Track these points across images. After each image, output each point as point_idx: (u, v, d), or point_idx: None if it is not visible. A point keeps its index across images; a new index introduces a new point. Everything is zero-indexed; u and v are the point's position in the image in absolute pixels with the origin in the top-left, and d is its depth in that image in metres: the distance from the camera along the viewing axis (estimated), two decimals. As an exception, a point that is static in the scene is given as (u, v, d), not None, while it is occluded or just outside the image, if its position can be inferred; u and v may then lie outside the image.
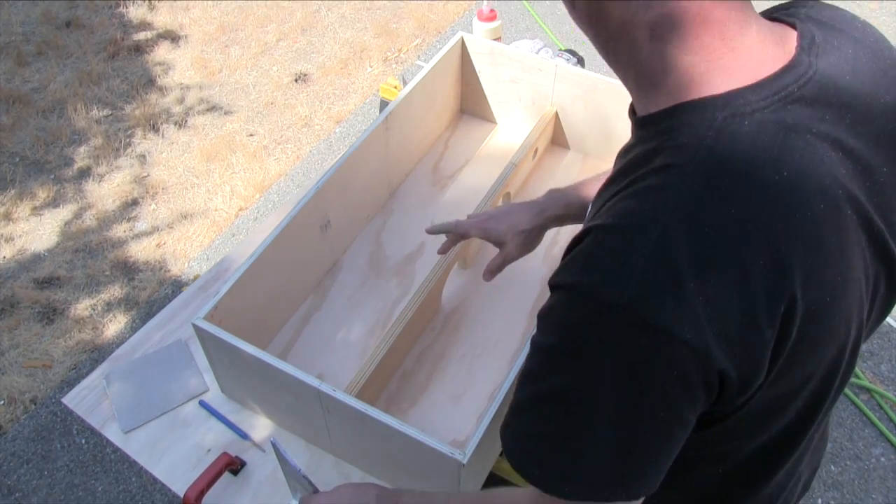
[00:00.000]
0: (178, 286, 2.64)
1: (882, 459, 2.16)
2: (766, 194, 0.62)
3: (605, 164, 1.73)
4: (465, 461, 1.00)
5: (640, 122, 0.71)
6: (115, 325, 2.53)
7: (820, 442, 1.01)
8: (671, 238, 0.60)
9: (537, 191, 1.68)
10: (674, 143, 0.65)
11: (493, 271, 1.30)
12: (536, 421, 0.69)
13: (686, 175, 0.62)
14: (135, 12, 3.90)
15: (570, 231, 1.60)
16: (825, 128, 0.66)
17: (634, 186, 0.66)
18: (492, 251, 1.56)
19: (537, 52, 1.89)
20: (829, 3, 0.77)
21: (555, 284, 0.68)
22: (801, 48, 0.67)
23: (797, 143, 0.64)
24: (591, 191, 1.20)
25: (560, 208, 1.27)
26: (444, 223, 1.34)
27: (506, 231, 1.27)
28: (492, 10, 1.93)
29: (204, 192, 2.98)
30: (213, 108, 3.35)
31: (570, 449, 0.67)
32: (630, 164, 0.69)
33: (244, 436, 1.28)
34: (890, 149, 0.71)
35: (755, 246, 0.61)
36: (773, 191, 0.62)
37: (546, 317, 0.68)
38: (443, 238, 1.39)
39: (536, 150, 1.68)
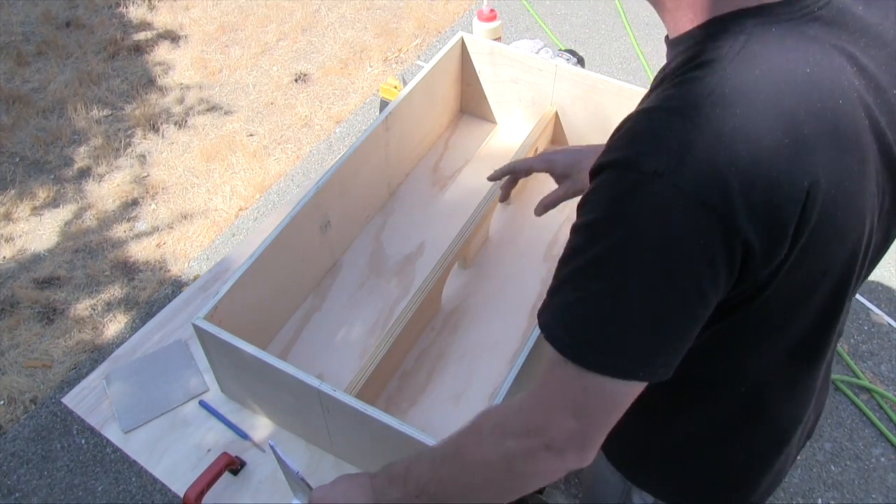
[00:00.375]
0: (178, 286, 2.64)
1: (882, 459, 2.17)
2: (792, 84, 0.69)
3: (605, 164, 1.73)
4: (465, 461, 1.00)
5: (677, 40, 0.78)
6: (115, 325, 2.53)
7: (824, 385, 1.04)
8: (707, 116, 0.67)
9: (537, 191, 1.68)
10: (711, 46, 0.71)
11: (547, 206, 1.29)
12: (573, 292, 0.73)
13: (722, 67, 0.69)
14: (135, 12, 3.90)
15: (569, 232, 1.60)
16: (842, 44, 0.73)
17: (675, 80, 0.73)
18: (492, 251, 1.56)
19: (537, 52, 1.89)
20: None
21: (597, 166, 0.73)
22: None
23: (818, 49, 0.71)
24: None
25: None
26: (505, 166, 1.35)
27: (571, 165, 1.27)
28: (492, 10, 1.93)
29: (204, 192, 2.98)
30: (213, 108, 3.35)
31: (602, 319, 0.71)
32: (668, 73, 0.76)
33: (244, 436, 1.28)
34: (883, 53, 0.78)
35: (783, 126, 0.67)
36: (799, 81, 0.69)
37: (587, 200, 0.73)
38: (443, 237, 1.38)
39: (536, 150, 1.68)
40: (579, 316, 0.72)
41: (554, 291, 0.76)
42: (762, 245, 0.69)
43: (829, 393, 2.31)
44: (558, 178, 1.30)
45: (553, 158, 1.29)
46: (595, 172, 0.74)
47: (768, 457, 1.02)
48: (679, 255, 0.68)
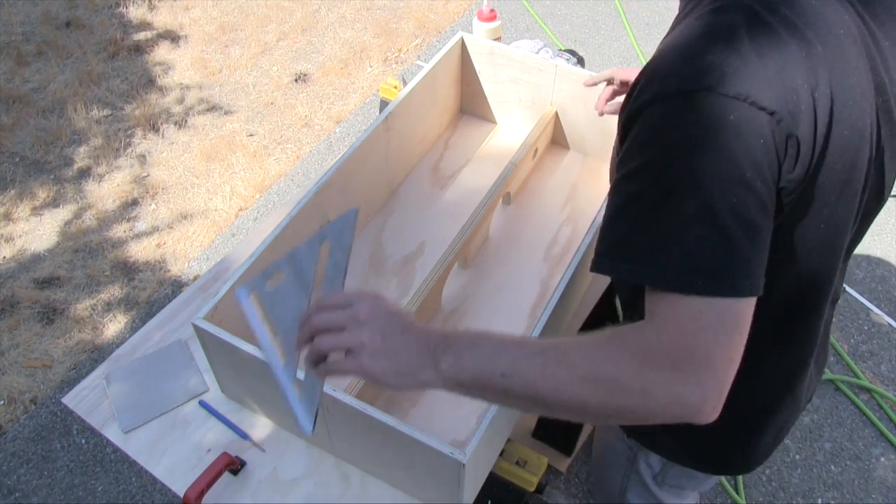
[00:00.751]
0: (178, 286, 2.64)
1: (882, 459, 2.17)
2: (801, 12, 0.76)
3: (605, 164, 1.73)
4: (465, 461, 1.00)
5: None
6: (115, 325, 2.53)
7: (823, 341, 1.07)
8: (736, 34, 0.72)
9: (537, 191, 1.69)
10: None
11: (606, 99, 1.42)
12: (634, 222, 0.73)
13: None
14: (135, 12, 3.90)
15: (570, 232, 1.60)
16: None
17: (693, 15, 0.79)
18: (492, 251, 1.56)
19: (537, 52, 1.89)
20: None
21: (637, 107, 0.75)
22: None
23: None
24: None
25: None
26: (602, 73, 1.45)
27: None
28: (492, 10, 1.93)
29: (204, 192, 2.98)
30: (213, 108, 3.35)
31: (705, 243, 0.69)
32: (681, 18, 0.82)
33: (244, 436, 1.28)
34: (893, 27, 0.85)
35: (798, 42, 0.74)
36: (807, 10, 0.76)
37: (632, 145, 0.75)
38: (443, 237, 1.38)
39: (536, 150, 1.68)
40: (681, 248, 0.70)
41: (621, 244, 0.73)
42: (806, 143, 0.73)
43: (830, 393, 2.31)
44: None
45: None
46: (634, 115, 0.75)
47: (775, 404, 1.04)
48: (748, 158, 0.70)
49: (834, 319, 2.34)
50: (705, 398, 0.70)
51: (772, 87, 0.71)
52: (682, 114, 0.71)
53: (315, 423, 0.81)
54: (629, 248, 0.73)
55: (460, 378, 0.76)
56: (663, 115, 0.72)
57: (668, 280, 0.70)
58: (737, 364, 0.72)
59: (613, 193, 0.77)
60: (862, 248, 2.71)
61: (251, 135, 3.22)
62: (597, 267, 0.77)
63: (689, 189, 0.70)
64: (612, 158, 0.89)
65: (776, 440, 1.12)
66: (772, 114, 0.70)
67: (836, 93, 0.76)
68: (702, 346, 0.70)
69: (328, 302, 0.80)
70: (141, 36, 3.76)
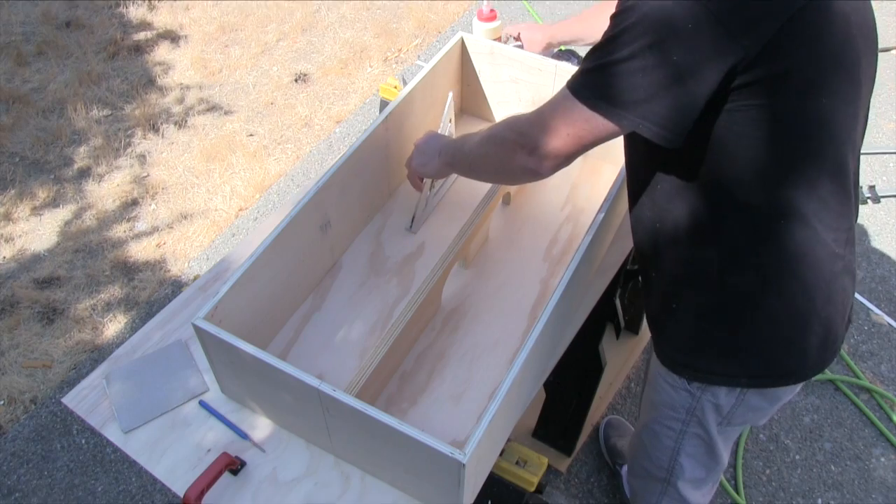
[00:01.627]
0: (178, 286, 2.64)
1: (882, 459, 2.17)
2: None
3: (604, 164, 1.73)
4: (465, 461, 1.00)
5: None
6: (115, 325, 2.53)
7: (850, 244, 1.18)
8: None
9: (537, 191, 1.69)
10: None
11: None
12: (593, 61, 1.00)
13: None
14: (135, 12, 3.90)
15: (570, 232, 1.60)
16: None
17: None
18: (492, 251, 1.56)
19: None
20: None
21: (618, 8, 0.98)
22: None
23: None
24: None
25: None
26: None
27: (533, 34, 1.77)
28: (492, 10, 1.93)
29: (204, 192, 2.98)
30: (213, 108, 3.36)
31: (611, 76, 0.97)
32: None
33: (244, 436, 1.28)
34: None
35: None
36: None
37: (612, 24, 0.98)
38: (443, 237, 1.39)
39: (536, 150, 1.68)
40: (595, 72, 0.99)
41: (592, 66, 1.00)
42: (757, 48, 0.91)
43: (830, 393, 2.31)
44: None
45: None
46: (617, 13, 0.97)
47: (814, 302, 1.15)
48: (686, 44, 0.91)
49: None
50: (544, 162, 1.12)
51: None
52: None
53: (412, 222, 1.59)
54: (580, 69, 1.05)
55: (445, 161, 1.37)
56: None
57: (573, 86, 1.04)
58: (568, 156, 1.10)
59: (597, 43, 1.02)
60: (862, 248, 2.71)
61: (251, 135, 3.22)
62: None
63: (625, 38, 0.95)
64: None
65: (825, 351, 1.21)
66: (720, 18, 0.90)
67: None
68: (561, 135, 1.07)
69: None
70: (141, 36, 3.76)
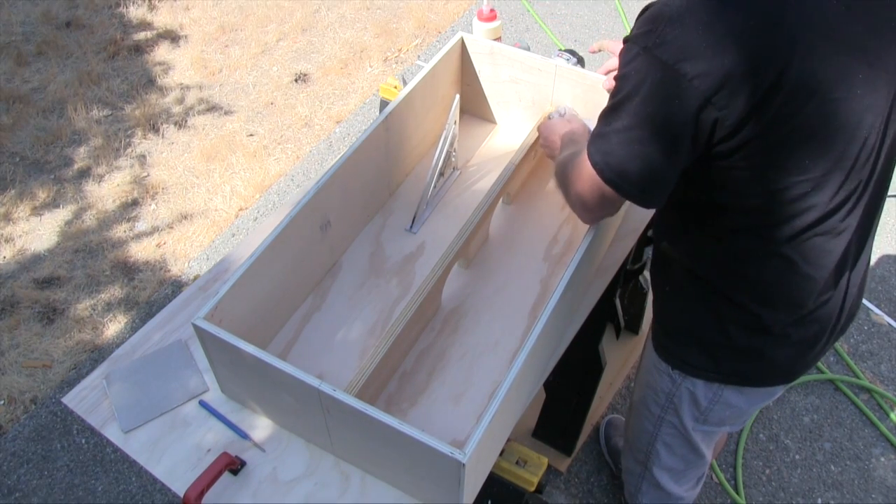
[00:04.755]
0: (178, 286, 2.64)
1: (882, 459, 2.17)
2: None
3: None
4: (465, 461, 1.00)
5: None
6: (115, 325, 2.53)
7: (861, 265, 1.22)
8: (688, 6, 0.93)
9: (537, 191, 1.68)
10: None
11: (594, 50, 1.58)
12: (602, 126, 1.05)
13: None
14: (135, 12, 3.90)
15: (570, 232, 1.60)
16: None
17: None
18: (492, 251, 1.56)
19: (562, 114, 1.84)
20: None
21: (624, 39, 1.03)
22: None
23: None
24: None
25: None
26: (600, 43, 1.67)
27: None
28: (492, 10, 1.93)
29: (204, 192, 2.98)
30: (213, 108, 3.36)
31: (614, 148, 1.03)
32: None
33: (244, 436, 1.28)
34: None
35: (750, 13, 0.91)
36: None
37: (620, 60, 1.02)
38: (443, 237, 1.38)
39: (536, 150, 1.68)
40: (604, 145, 1.05)
41: (600, 116, 1.06)
42: (735, 101, 0.93)
43: (830, 393, 2.31)
44: None
45: None
46: (624, 40, 1.02)
47: (801, 320, 1.19)
48: (661, 111, 0.96)
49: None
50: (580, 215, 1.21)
51: (710, 54, 0.91)
52: (630, 60, 0.98)
53: (413, 222, 1.59)
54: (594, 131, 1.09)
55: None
56: (625, 54, 0.99)
57: (593, 162, 1.08)
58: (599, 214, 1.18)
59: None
60: (862, 248, 2.71)
61: (251, 135, 3.22)
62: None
63: (620, 113, 1.01)
64: None
65: (802, 354, 1.25)
66: (691, 81, 0.92)
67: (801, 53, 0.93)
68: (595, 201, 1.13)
69: None
70: (141, 36, 3.76)
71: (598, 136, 1.06)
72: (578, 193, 1.14)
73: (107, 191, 2.98)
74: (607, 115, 1.05)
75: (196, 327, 1.16)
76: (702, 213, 1.13)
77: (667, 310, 1.32)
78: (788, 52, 0.92)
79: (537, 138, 1.64)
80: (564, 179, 1.21)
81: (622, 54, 1.00)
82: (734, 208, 1.08)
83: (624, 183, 1.05)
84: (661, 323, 1.35)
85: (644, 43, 0.95)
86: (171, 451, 1.27)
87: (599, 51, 1.55)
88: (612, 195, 1.08)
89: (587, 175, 1.09)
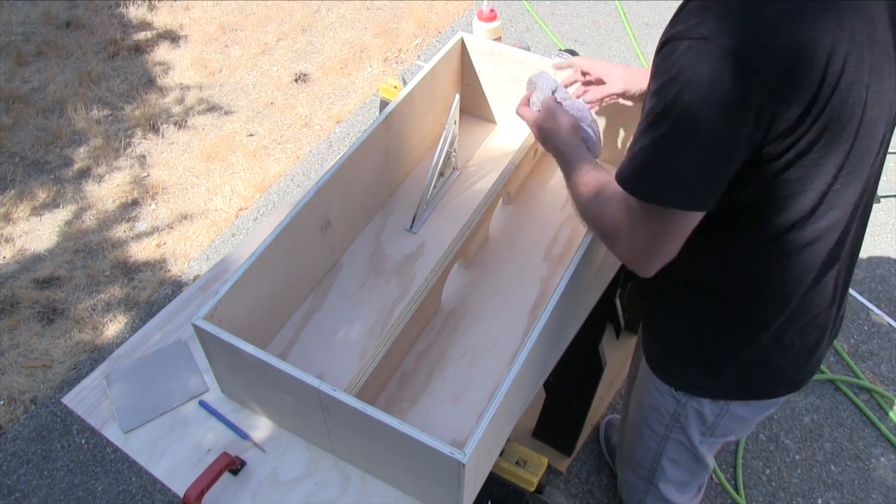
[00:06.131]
0: (178, 286, 2.64)
1: (882, 459, 2.16)
2: None
3: (605, 164, 1.73)
4: (465, 461, 1.00)
5: None
6: (115, 325, 2.53)
7: (845, 277, 1.21)
8: None
9: (537, 191, 1.68)
10: None
11: (594, 101, 1.48)
12: (639, 142, 0.95)
13: None
14: (135, 12, 3.90)
15: (570, 232, 1.60)
16: None
17: None
18: (492, 251, 1.56)
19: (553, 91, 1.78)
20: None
21: (661, 42, 0.94)
22: None
23: None
24: None
25: None
26: (567, 60, 1.56)
27: (614, 69, 1.47)
28: (492, 10, 1.93)
29: (204, 192, 2.98)
30: (213, 108, 3.35)
31: (652, 160, 0.94)
32: None
33: (244, 436, 1.28)
34: None
35: (808, 8, 0.86)
36: None
37: (655, 69, 0.93)
38: (443, 237, 1.38)
39: (536, 150, 1.68)
40: (645, 161, 0.94)
41: (629, 148, 0.97)
42: (790, 95, 0.87)
43: (830, 393, 2.31)
44: (602, 77, 1.48)
45: (609, 72, 1.46)
46: (659, 47, 0.94)
47: (804, 331, 1.18)
48: (722, 103, 0.86)
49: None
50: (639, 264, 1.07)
51: (769, 41, 0.85)
52: (681, 55, 0.88)
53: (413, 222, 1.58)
54: (628, 155, 0.98)
55: (557, 158, 1.27)
56: (671, 53, 0.90)
57: (631, 187, 0.98)
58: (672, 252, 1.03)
59: (646, 103, 0.97)
60: (862, 248, 2.71)
61: (251, 135, 3.22)
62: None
63: (671, 117, 0.90)
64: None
65: (805, 362, 1.24)
66: (756, 69, 0.85)
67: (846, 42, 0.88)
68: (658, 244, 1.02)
69: None
70: (141, 36, 3.76)
71: (639, 167, 0.95)
72: (636, 240, 1.02)
73: (107, 191, 2.98)
74: (652, 128, 0.93)
75: (196, 327, 1.16)
76: (714, 218, 1.02)
77: (665, 330, 1.28)
78: (836, 36, 0.87)
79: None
80: (604, 229, 1.09)
81: (663, 57, 0.91)
82: (751, 210, 1.02)
83: (685, 196, 0.94)
84: (658, 343, 1.30)
85: (696, 34, 0.87)
86: (171, 451, 1.27)
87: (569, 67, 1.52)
88: (674, 220, 0.97)
89: (637, 214, 0.99)
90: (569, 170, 1.22)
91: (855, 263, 1.23)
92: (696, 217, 0.98)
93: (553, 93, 1.33)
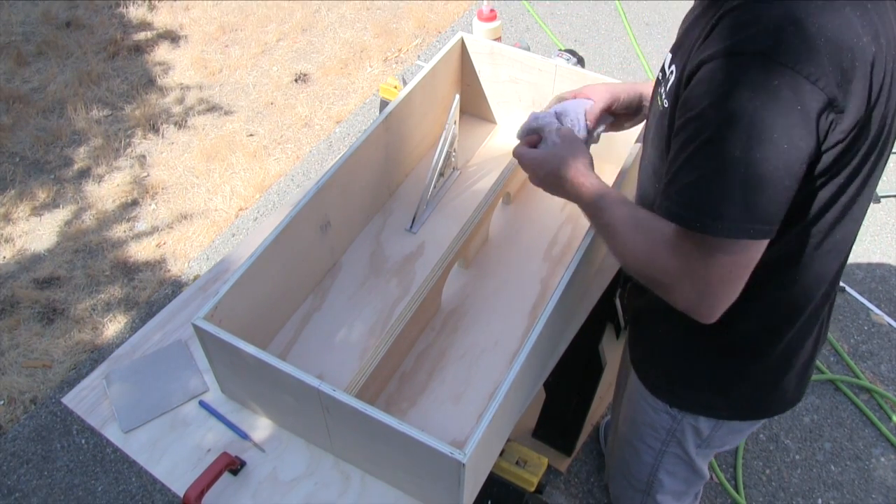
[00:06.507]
0: (178, 286, 2.64)
1: (882, 459, 2.17)
2: None
3: (603, 164, 1.73)
4: (465, 461, 1.00)
5: None
6: (115, 325, 2.53)
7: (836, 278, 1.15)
8: (796, 6, 0.82)
9: (537, 191, 1.68)
10: None
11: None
12: (691, 173, 0.87)
13: None
14: (135, 12, 3.90)
15: (570, 232, 1.60)
16: None
17: None
18: (492, 251, 1.56)
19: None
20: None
21: (696, 63, 0.87)
22: None
23: None
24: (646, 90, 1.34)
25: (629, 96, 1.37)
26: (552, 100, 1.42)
27: (591, 88, 1.35)
28: (492, 10, 1.93)
29: (204, 192, 2.98)
30: (213, 108, 3.35)
31: (710, 189, 0.85)
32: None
33: (244, 436, 1.28)
34: None
35: (850, 15, 0.83)
36: None
37: (692, 95, 0.87)
38: (443, 237, 1.38)
39: (536, 150, 1.68)
40: (701, 192, 0.86)
41: (671, 182, 0.89)
42: (847, 105, 0.83)
43: (830, 393, 2.31)
44: (597, 98, 1.35)
45: (588, 91, 1.34)
46: (695, 70, 0.87)
47: (804, 346, 1.16)
48: (787, 121, 0.81)
49: (834, 319, 2.35)
50: (702, 308, 0.96)
51: (826, 50, 0.81)
52: (731, 75, 0.83)
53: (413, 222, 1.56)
54: (670, 189, 0.90)
55: (581, 206, 1.16)
56: (716, 73, 0.84)
57: (686, 220, 0.89)
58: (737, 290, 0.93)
59: (678, 133, 0.91)
60: (862, 248, 2.71)
61: (251, 135, 3.22)
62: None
63: (725, 142, 0.83)
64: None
65: (804, 376, 1.23)
66: (815, 82, 0.81)
67: (886, 45, 0.86)
68: (716, 279, 0.92)
69: None
70: (141, 36, 3.76)
71: (704, 200, 0.86)
72: (697, 281, 0.92)
73: (107, 191, 2.98)
74: (703, 153, 0.85)
75: (196, 327, 1.16)
76: None
77: (666, 357, 1.24)
78: (877, 46, 0.85)
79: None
80: (656, 275, 0.98)
81: (706, 77, 0.85)
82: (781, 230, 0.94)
83: (754, 222, 0.85)
84: (650, 359, 1.28)
85: (750, 49, 0.81)
86: (171, 451, 1.27)
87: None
88: (741, 252, 0.88)
89: (698, 253, 0.90)
90: (601, 215, 1.09)
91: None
92: (762, 247, 0.90)
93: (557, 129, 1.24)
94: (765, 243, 0.90)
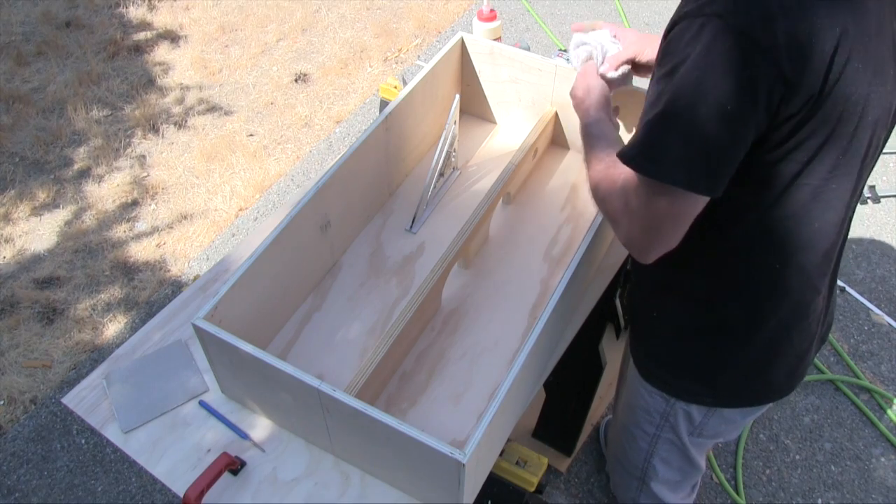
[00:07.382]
0: (178, 286, 2.64)
1: (882, 459, 2.17)
2: None
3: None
4: (465, 461, 1.00)
5: None
6: (115, 325, 2.53)
7: (833, 281, 1.21)
8: None
9: (537, 191, 1.68)
10: None
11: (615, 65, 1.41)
12: (644, 121, 0.94)
13: None
14: (135, 12, 3.90)
15: (570, 232, 1.60)
16: None
17: None
18: (492, 251, 1.56)
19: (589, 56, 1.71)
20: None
21: (672, 21, 0.93)
22: None
23: None
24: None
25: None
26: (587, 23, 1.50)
27: (628, 32, 1.42)
28: (492, 10, 1.93)
29: (204, 192, 2.98)
30: (213, 108, 3.35)
31: (653, 134, 0.92)
32: None
33: (244, 436, 1.28)
34: None
35: (816, 5, 0.87)
36: None
37: (666, 51, 0.93)
38: (443, 237, 1.38)
39: (536, 150, 1.68)
40: (646, 136, 0.93)
41: (639, 131, 0.95)
42: (799, 80, 0.86)
43: (830, 393, 2.31)
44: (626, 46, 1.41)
45: (624, 34, 1.42)
46: (670, 27, 0.93)
47: (790, 336, 1.18)
48: (733, 79, 0.85)
49: (834, 319, 2.35)
50: (637, 245, 1.04)
51: (782, 22, 0.84)
52: (695, 34, 0.88)
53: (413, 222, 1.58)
54: (636, 138, 0.96)
55: (582, 129, 1.24)
56: (684, 31, 0.90)
57: (636, 163, 0.96)
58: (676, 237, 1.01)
59: (652, 87, 0.96)
60: (862, 248, 2.71)
61: (251, 135, 3.22)
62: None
63: (683, 98, 0.89)
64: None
65: (797, 369, 1.24)
66: (767, 49, 0.85)
67: (851, 29, 0.88)
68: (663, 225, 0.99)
69: None
70: (141, 36, 3.76)
71: (648, 145, 0.93)
72: (636, 219, 1.00)
73: (106, 191, 2.98)
74: (660, 105, 0.92)
75: (196, 327, 1.16)
76: (707, 219, 1.00)
77: (655, 338, 1.28)
78: (844, 30, 0.88)
79: (537, 138, 1.64)
80: (609, 210, 1.06)
81: (672, 39, 0.91)
82: (744, 208, 1.01)
83: (690, 174, 0.91)
84: (648, 351, 1.31)
85: (708, 11, 0.86)
86: (171, 451, 1.27)
87: (593, 30, 1.45)
88: (677, 200, 0.94)
89: (640, 192, 0.97)
90: (587, 145, 1.19)
91: (839, 267, 1.23)
92: (699, 202, 0.95)
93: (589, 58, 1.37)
94: (704, 199, 0.95)
